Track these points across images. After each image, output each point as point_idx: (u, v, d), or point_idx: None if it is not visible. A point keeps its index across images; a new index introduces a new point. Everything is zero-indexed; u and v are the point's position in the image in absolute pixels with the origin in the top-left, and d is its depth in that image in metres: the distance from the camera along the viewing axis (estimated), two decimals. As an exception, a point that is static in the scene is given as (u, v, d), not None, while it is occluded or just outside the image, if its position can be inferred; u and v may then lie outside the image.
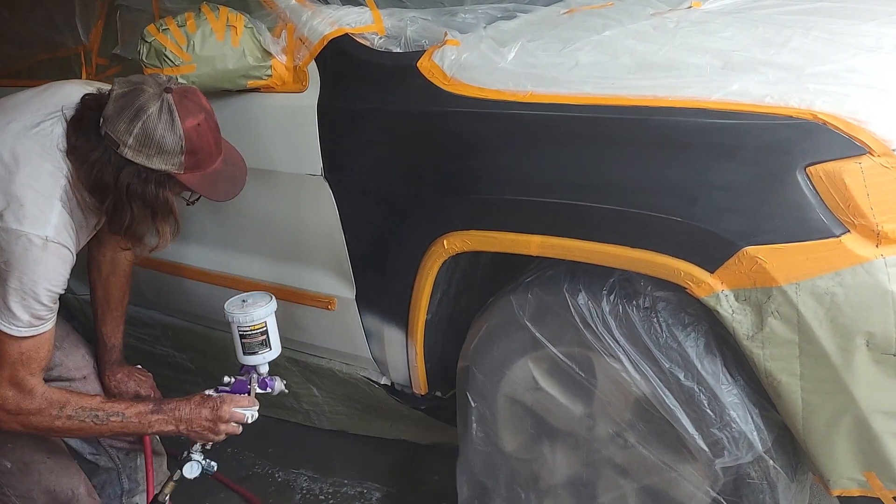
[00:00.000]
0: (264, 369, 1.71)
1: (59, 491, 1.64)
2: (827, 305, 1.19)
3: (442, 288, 1.70)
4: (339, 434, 2.25)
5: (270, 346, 1.70)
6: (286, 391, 1.75)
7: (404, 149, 1.62)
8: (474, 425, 1.72)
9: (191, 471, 1.67)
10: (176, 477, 1.69)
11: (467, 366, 1.71)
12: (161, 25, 1.70)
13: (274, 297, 1.72)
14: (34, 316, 1.42)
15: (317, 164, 1.73)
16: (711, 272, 1.26)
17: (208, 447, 1.70)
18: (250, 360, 1.69)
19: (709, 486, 1.42)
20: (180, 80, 1.76)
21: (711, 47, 1.43)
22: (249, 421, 1.65)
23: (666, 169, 1.28)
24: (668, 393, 1.40)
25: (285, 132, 1.78)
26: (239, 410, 1.62)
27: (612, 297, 1.43)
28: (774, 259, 1.20)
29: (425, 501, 2.06)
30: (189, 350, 2.36)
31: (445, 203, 1.56)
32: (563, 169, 1.39)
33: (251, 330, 1.66)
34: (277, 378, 1.74)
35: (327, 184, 1.73)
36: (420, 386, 1.84)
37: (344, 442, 2.24)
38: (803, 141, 1.20)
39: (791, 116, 1.22)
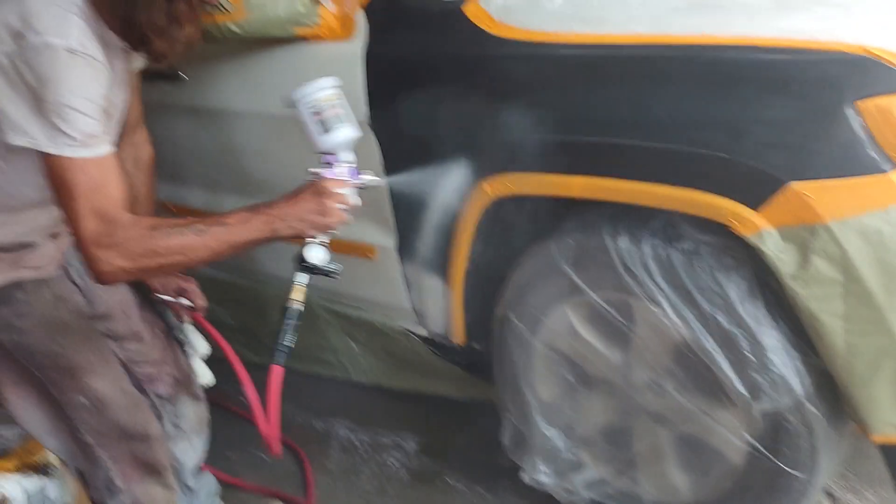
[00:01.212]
0: (347, 156, 1.44)
1: (134, 429, 1.56)
2: (874, 244, 1.17)
3: (483, 236, 1.71)
4: (377, 387, 2.28)
5: (345, 121, 1.44)
6: (380, 182, 1.51)
7: (449, 94, 1.63)
8: (512, 374, 1.74)
9: (313, 255, 1.40)
10: (298, 280, 1.41)
11: (505, 313, 1.73)
12: (214, -29, 1.73)
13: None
14: (84, 133, 1.26)
15: (362, 112, 1.75)
16: (756, 210, 1.25)
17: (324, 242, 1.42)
18: (329, 139, 1.42)
19: (746, 432, 1.41)
20: (232, 28, 1.80)
21: (763, -12, 1.41)
22: (354, 202, 1.40)
23: (712, 106, 1.28)
24: (708, 337, 1.40)
25: (332, 80, 1.80)
26: (340, 189, 1.39)
27: (654, 241, 1.43)
28: (821, 195, 1.19)
29: (462, 452, 2.08)
30: (229, 304, 2.41)
31: (488, 146, 1.57)
32: (607, 108, 1.39)
33: (325, 103, 1.42)
34: (365, 171, 1.47)
35: (372, 131, 1.75)
36: (459, 336, 1.86)
37: (382, 394, 2.27)
38: (853, 75, 1.19)
39: (841, 51, 1.20)
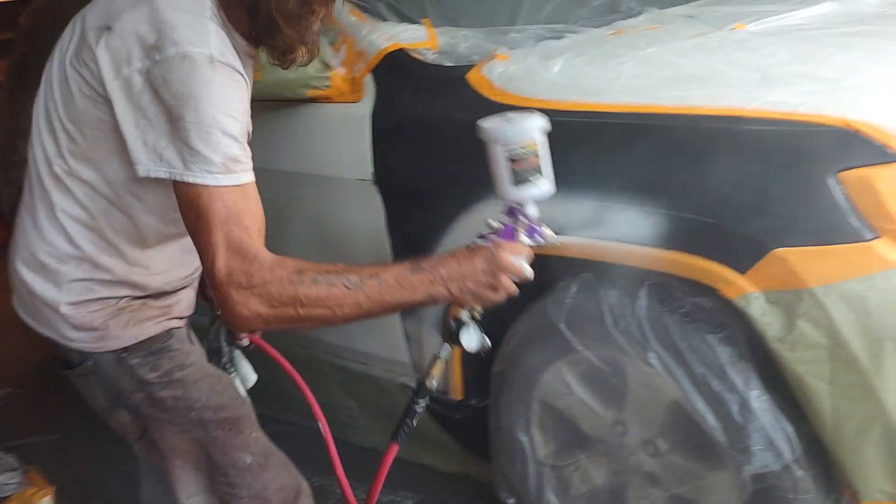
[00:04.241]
0: (532, 211, 1.28)
1: (290, 486, 1.39)
2: (857, 309, 1.20)
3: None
4: (372, 450, 2.25)
5: (543, 174, 1.24)
6: (558, 243, 1.33)
7: (451, 155, 1.69)
8: (508, 430, 1.75)
9: (469, 339, 1.28)
10: (444, 354, 1.32)
11: (502, 370, 1.75)
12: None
13: (539, 113, 1.29)
14: (227, 157, 1.10)
15: (368, 170, 1.81)
16: (742, 273, 1.28)
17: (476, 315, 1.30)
18: (520, 192, 1.24)
19: (737, 494, 1.41)
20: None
21: (751, 62, 1.48)
22: (528, 274, 1.22)
23: (701, 173, 1.32)
24: (699, 398, 1.41)
25: (340, 139, 1.88)
26: (516, 260, 1.20)
27: (646, 301, 1.46)
28: (805, 261, 1.23)
29: (457, 510, 2.07)
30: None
31: (488, 207, 1.62)
32: (600, 173, 1.44)
33: (523, 150, 1.22)
34: (546, 227, 1.30)
35: (377, 188, 1.81)
36: (457, 392, 1.88)
37: (380, 452, 2.26)
38: (836, 147, 1.24)
39: (825, 124, 1.25)
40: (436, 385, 1.34)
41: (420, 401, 1.34)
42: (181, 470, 1.33)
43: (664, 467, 1.53)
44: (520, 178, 1.24)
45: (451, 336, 1.30)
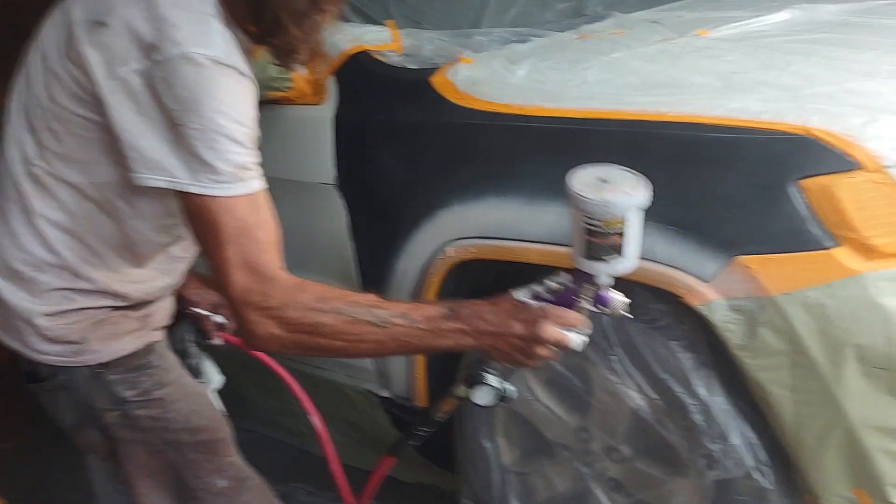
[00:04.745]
0: (605, 280, 1.13)
1: None
2: (817, 317, 1.21)
3: (447, 298, 1.73)
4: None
5: (623, 253, 1.09)
6: (628, 314, 1.18)
7: (415, 159, 1.67)
8: (472, 437, 1.73)
9: (481, 396, 1.22)
10: (459, 393, 1.24)
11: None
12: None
13: (645, 183, 1.10)
14: (236, 165, 1.03)
15: (330, 174, 1.79)
16: (705, 281, 1.28)
17: (505, 369, 1.22)
18: (592, 266, 1.10)
19: (700, 500, 1.42)
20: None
21: (714, 69, 1.48)
22: (574, 347, 1.11)
23: (663, 180, 1.31)
24: (662, 405, 1.41)
25: (302, 142, 1.85)
26: (563, 331, 1.10)
27: (610, 309, 1.46)
28: (766, 269, 1.23)
29: (422, 517, 2.05)
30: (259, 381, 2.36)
31: (451, 212, 1.60)
32: (563, 177, 1.43)
33: (605, 226, 1.06)
34: (616, 292, 1.14)
35: (340, 193, 1.78)
36: (420, 398, 1.86)
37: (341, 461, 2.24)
38: (797, 155, 1.24)
39: (786, 132, 1.26)
40: (443, 419, 1.34)
41: (423, 429, 1.35)
42: (150, 490, 1.25)
43: (628, 473, 1.53)
44: (593, 254, 1.09)
45: (468, 383, 1.24)
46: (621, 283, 1.40)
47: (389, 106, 1.71)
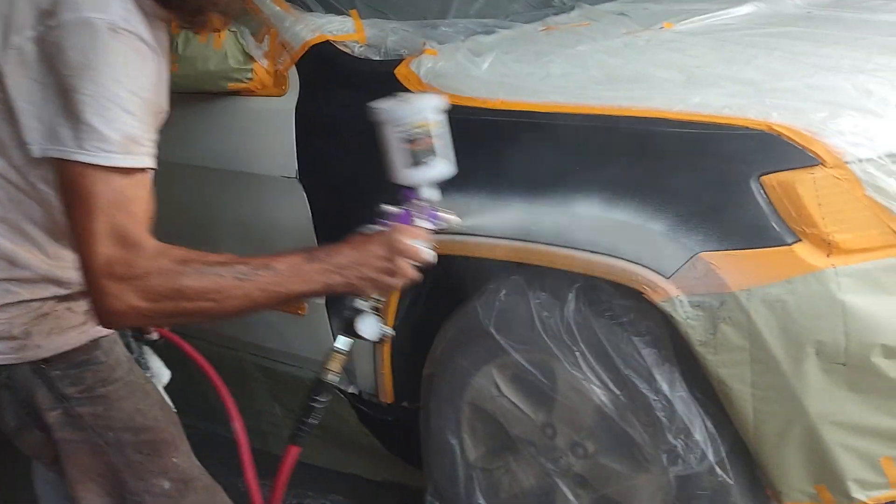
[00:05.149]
0: (430, 194, 1.24)
1: None
2: (778, 313, 1.21)
3: (411, 293, 1.71)
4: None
5: (438, 153, 1.20)
6: (459, 224, 1.30)
7: (378, 153, 1.64)
8: (438, 433, 1.72)
9: (367, 327, 1.24)
10: (340, 346, 1.27)
11: (432, 372, 1.72)
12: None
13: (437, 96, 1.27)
14: (126, 135, 1.00)
15: (292, 167, 1.75)
16: (667, 277, 1.28)
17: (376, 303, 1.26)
18: (415, 174, 1.21)
19: (663, 496, 1.42)
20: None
21: (678, 63, 1.47)
22: (427, 258, 1.19)
23: (626, 175, 1.31)
24: (625, 401, 1.41)
25: (263, 135, 1.81)
26: (415, 243, 1.17)
27: (575, 304, 1.45)
28: (727, 265, 1.23)
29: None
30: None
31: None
32: (528, 174, 1.42)
33: (415, 130, 1.18)
34: (447, 211, 1.27)
35: (301, 186, 1.75)
36: (387, 394, 1.84)
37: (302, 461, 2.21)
38: (758, 151, 1.24)
39: (747, 127, 1.25)
40: (336, 380, 1.29)
41: (318, 398, 1.29)
42: (93, 495, 1.21)
43: (592, 469, 1.52)
44: (414, 160, 1.20)
45: (348, 326, 1.25)
46: (586, 278, 1.40)
47: (352, 98, 1.68)
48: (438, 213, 1.25)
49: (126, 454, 1.20)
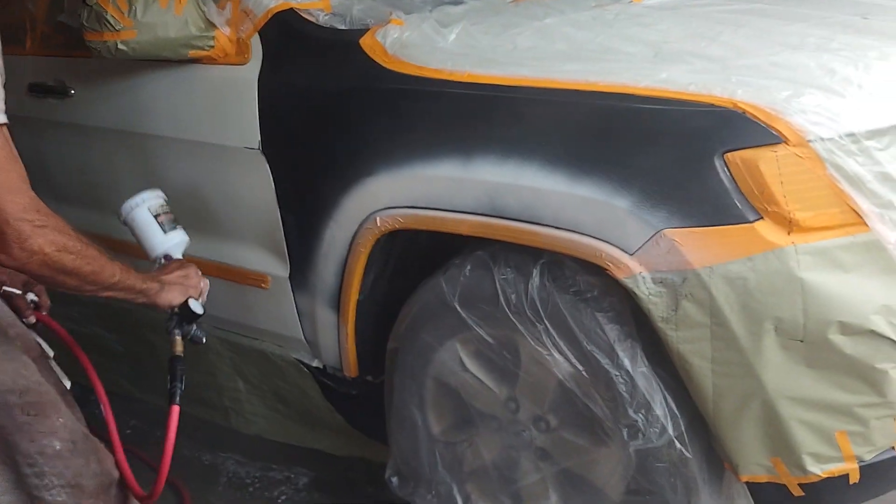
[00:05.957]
0: (179, 252, 1.61)
1: (104, 472, 1.31)
2: (738, 290, 1.22)
3: (376, 268, 1.69)
4: (257, 437, 2.17)
5: (178, 224, 1.61)
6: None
7: (343, 125, 1.62)
8: (402, 407, 1.72)
9: (197, 305, 1.48)
10: (172, 327, 1.49)
11: (396, 347, 1.71)
12: (104, -11, 1.68)
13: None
14: None
15: (255, 138, 1.72)
16: (631, 254, 1.28)
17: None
18: (173, 237, 1.59)
19: (623, 469, 1.43)
20: (120, 47, 1.74)
21: (645, 38, 1.46)
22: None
23: (591, 151, 1.30)
24: (587, 376, 1.42)
25: (225, 105, 1.77)
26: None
27: (539, 280, 1.45)
28: (690, 242, 1.23)
29: (353, 486, 2.04)
30: (119, 332, 2.31)
31: (380, 179, 1.56)
32: (493, 149, 1.40)
33: (164, 205, 1.59)
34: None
35: (265, 158, 1.72)
36: (350, 368, 1.83)
37: (263, 437, 2.20)
38: (722, 128, 1.24)
39: (712, 104, 1.25)
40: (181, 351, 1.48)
41: (178, 366, 1.48)
42: None
43: (554, 443, 1.54)
44: (170, 227, 1.60)
45: (187, 312, 1.47)
46: (550, 254, 1.40)
47: (316, 68, 1.65)
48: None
49: (13, 416, 1.22)
